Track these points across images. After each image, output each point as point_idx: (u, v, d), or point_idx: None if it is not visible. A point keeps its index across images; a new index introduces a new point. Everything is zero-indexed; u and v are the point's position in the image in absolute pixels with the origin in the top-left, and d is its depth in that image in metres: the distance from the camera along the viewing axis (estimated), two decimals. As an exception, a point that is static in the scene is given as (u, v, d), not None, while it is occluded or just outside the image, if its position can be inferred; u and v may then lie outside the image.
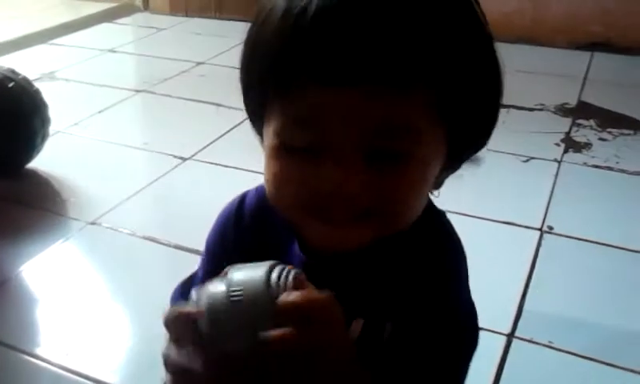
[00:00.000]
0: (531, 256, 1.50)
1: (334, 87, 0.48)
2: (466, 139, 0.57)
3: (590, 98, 2.42)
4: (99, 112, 2.34)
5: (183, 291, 0.72)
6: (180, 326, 0.49)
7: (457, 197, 1.60)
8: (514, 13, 2.98)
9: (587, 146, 2.05)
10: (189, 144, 2.06)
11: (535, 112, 2.30)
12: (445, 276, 0.60)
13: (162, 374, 0.52)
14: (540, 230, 1.60)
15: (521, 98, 2.35)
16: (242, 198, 0.69)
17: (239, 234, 0.67)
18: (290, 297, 0.46)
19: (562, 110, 2.32)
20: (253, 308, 0.46)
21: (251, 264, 0.49)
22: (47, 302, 1.40)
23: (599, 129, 2.17)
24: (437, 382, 0.58)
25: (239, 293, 0.47)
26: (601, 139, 2.10)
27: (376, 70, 0.47)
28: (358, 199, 0.51)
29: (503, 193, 1.79)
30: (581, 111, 2.31)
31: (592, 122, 2.22)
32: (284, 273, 0.48)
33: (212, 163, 1.96)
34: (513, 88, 2.32)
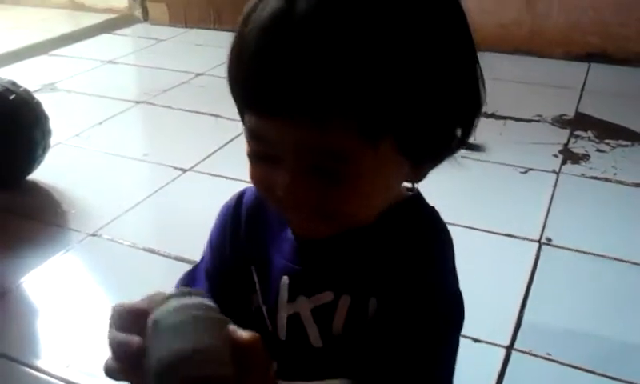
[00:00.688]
0: (530, 268, 1.51)
1: (265, 115, 0.55)
2: (423, 148, 0.59)
3: (588, 109, 2.43)
4: (100, 123, 2.35)
5: (187, 280, 0.76)
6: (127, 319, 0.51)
7: (455, 208, 1.61)
8: (512, 24, 3.00)
9: (585, 157, 2.06)
10: (189, 155, 2.06)
11: (533, 123, 2.31)
12: (428, 258, 0.62)
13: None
14: (538, 241, 1.61)
15: (518, 110, 2.37)
16: (241, 194, 0.74)
17: (236, 225, 0.72)
18: (243, 335, 0.48)
19: (560, 122, 2.33)
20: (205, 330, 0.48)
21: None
22: (48, 314, 1.40)
23: (597, 140, 2.18)
24: (418, 365, 0.59)
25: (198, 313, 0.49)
26: (599, 151, 2.11)
27: (290, 103, 0.52)
28: (305, 204, 0.57)
29: (501, 204, 1.80)
30: (579, 123, 2.32)
31: (590, 134, 2.23)
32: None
33: (212, 175, 1.97)
34: (510, 99, 2.34)
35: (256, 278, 0.68)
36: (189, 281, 0.76)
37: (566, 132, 2.25)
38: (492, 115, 2.32)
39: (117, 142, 2.22)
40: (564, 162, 2.03)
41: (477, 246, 1.55)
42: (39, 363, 1.25)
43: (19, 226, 1.73)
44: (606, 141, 2.17)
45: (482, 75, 0.60)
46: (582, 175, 1.95)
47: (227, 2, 3.45)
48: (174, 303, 0.49)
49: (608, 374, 1.20)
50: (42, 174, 1.93)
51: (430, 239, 0.64)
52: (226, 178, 1.92)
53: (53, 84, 2.74)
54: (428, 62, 0.54)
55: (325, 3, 0.51)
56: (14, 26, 3.69)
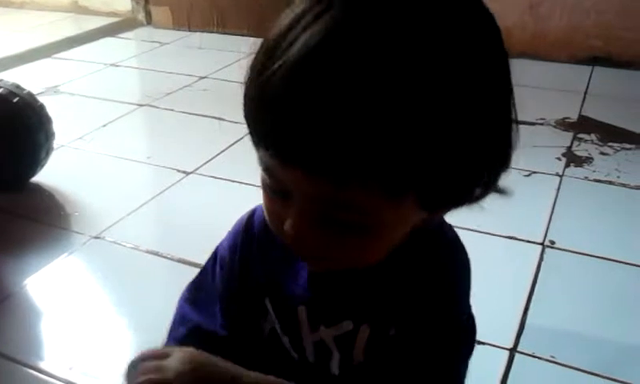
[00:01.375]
0: (533, 270, 1.51)
1: (279, 159, 0.51)
2: (446, 202, 0.57)
3: (591, 112, 2.43)
4: (103, 126, 2.35)
5: (194, 296, 0.74)
6: None
7: (458, 211, 1.61)
8: (514, 27, 3.00)
9: (588, 160, 2.06)
10: (192, 158, 2.07)
11: (536, 126, 2.31)
12: (447, 287, 0.61)
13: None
14: (542, 244, 1.61)
15: (522, 113, 2.33)
16: (252, 213, 0.71)
17: (248, 246, 0.70)
18: None
19: (563, 125, 2.33)
20: None
21: None
22: (51, 316, 1.40)
23: (600, 143, 2.18)
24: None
25: None
26: (602, 153, 2.10)
27: (310, 160, 0.49)
28: (313, 250, 0.55)
29: (504, 207, 1.78)
30: (582, 125, 2.32)
31: (593, 137, 2.23)
32: None
33: (215, 177, 1.97)
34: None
35: (270, 307, 0.67)
36: (197, 297, 0.74)
37: (570, 135, 2.24)
38: (495, 118, 2.32)
39: (120, 144, 2.22)
40: (567, 165, 2.03)
41: (480, 249, 1.53)
42: (42, 365, 1.25)
43: (22, 229, 1.73)
44: (610, 144, 2.17)
45: (516, 118, 0.56)
46: (586, 178, 1.95)
47: (231, 6, 3.46)
48: None
49: (612, 377, 1.20)
50: (46, 176, 1.94)
51: (448, 263, 0.63)
52: (230, 180, 1.92)
53: (56, 87, 2.74)
54: (460, 121, 0.50)
55: (360, 59, 0.46)
56: (18, 29, 3.70)
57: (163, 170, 2.03)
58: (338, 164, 0.48)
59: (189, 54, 3.29)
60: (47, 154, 1.91)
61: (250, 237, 0.70)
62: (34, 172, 1.91)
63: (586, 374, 1.21)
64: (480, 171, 0.55)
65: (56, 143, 1.95)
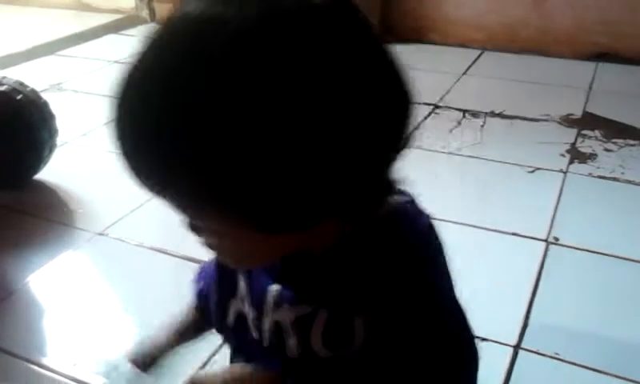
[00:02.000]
0: (537, 267, 1.51)
1: None
2: (279, 224, 0.55)
3: (595, 108, 2.42)
4: (106, 123, 2.35)
5: (200, 278, 0.79)
6: None
7: (462, 207, 1.61)
8: (518, 23, 2.99)
9: (593, 156, 2.06)
10: (195, 155, 2.06)
11: (540, 122, 2.30)
12: (410, 276, 0.60)
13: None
14: (546, 240, 1.60)
15: (526, 109, 2.36)
16: None
17: None
18: None
19: (568, 121, 2.32)
20: None
21: None
22: (55, 312, 1.41)
23: (604, 139, 2.17)
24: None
25: None
26: (606, 150, 2.10)
27: (144, 184, 0.54)
28: (217, 254, 0.63)
29: (509, 204, 1.79)
30: (586, 122, 2.31)
31: (597, 133, 2.22)
32: None
33: (218, 174, 1.97)
34: (518, 99, 2.33)
35: (244, 282, 0.68)
36: (200, 277, 0.78)
37: (574, 131, 2.24)
38: (499, 115, 2.32)
39: (123, 141, 2.22)
40: (571, 162, 2.02)
41: (484, 245, 1.54)
42: (46, 361, 1.25)
43: (26, 225, 1.73)
44: (614, 140, 2.17)
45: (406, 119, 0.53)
46: (590, 174, 1.95)
47: (233, 2, 3.45)
48: None
49: (616, 374, 1.20)
50: (49, 173, 1.94)
51: (408, 253, 0.60)
52: (233, 177, 1.92)
53: (60, 84, 2.75)
54: (287, 152, 0.47)
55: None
56: (22, 27, 3.71)
57: (167, 166, 2.03)
58: (159, 189, 0.53)
59: (192, 51, 3.28)
60: (51, 151, 1.91)
61: None
62: (37, 169, 1.92)
63: (590, 371, 1.21)
64: (322, 199, 0.52)
65: (59, 140, 1.95)
